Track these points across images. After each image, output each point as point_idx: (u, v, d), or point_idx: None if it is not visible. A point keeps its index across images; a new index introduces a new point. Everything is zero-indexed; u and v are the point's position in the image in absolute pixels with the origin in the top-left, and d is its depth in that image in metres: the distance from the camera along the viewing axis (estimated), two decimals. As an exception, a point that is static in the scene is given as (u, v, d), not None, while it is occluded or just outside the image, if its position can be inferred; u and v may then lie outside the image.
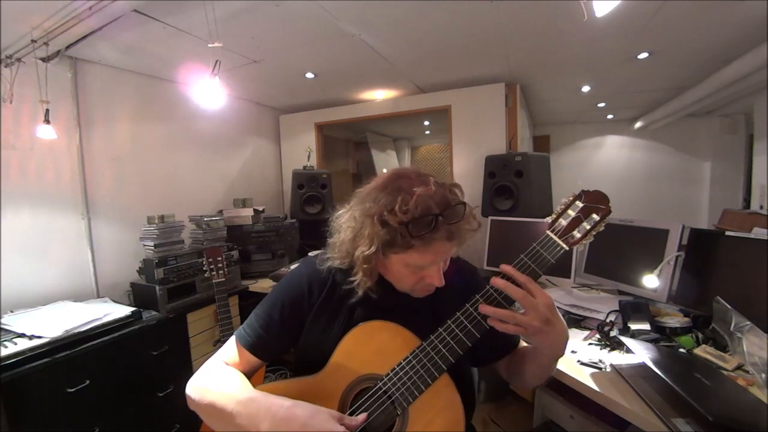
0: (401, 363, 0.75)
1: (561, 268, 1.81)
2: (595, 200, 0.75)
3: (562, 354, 0.76)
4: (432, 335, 0.75)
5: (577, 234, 0.74)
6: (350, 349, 0.79)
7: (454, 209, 0.72)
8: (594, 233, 0.75)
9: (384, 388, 0.75)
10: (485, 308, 0.70)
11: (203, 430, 1.69)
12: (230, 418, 0.70)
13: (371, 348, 0.79)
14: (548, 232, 0.75)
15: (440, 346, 0.74)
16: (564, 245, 0.74)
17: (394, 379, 0.74)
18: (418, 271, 0.77)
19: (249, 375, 0.84)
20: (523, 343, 0.95)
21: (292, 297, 0.86)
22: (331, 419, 0.66)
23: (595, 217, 0.74)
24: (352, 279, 0.79)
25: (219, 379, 0.79)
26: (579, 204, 0.76)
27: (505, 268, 0.72)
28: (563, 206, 0.77)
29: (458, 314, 0.75)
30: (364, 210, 0.76)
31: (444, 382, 0.75)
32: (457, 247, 0.78)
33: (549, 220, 0.78)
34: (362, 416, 0.72)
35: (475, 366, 0.94)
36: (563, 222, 0.76)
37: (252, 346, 0.84)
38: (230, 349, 0.86)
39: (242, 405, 0.71)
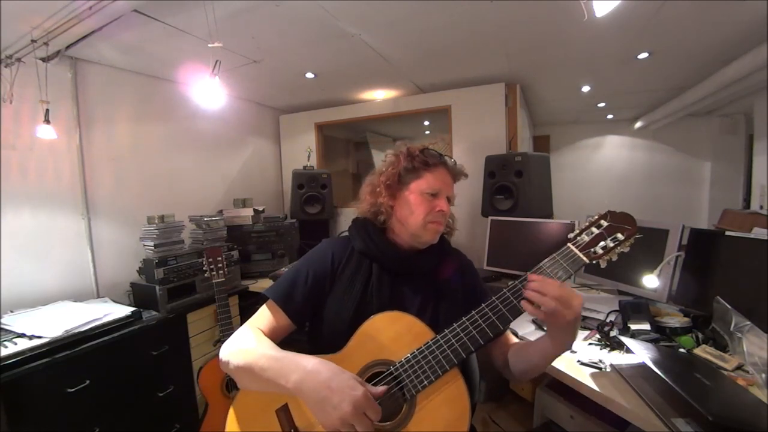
0: (414, 352, 0.78)
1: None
2: (620, 221, 0.78)
3: (567, 350, 0.80)
4: (446, 329, 0.78)
5: (599, 250, 0.77)
6: (368, 335, 0.83)
7: (450, 159, 1.00)
8: (618, 252, 0.77)
9: (395, 374, 0.78)
10: (536, 279, 0.73)
11: (203, 429, 1.70)
12: (260, 372, 0.76)
13: (387, 336, 0.82)
14: (570, 245, 0.78)
15: (453, 340, 0.77)
16: (584, 258, 0.77)
17: (406, 366, 0.77)
18: (430, 199, 0.93)
19: (276, 339, 0.88)
20: (514, 339, 0.98)
21: (315, 268, 0.94)
22: (353, 379, 0.71)
23: (620, 236, 0.77)
24: (378, 202, 0.96)
25: (249, 340, 0.85)
26: (604, 223, 0.79)
27: (534, 277, 0.76)
28: (587, 224, 0.80)
29: (473, 313, 0.78)
30: (387, 160, 1.00)
31: (454, 376, 0.77)
32: (453, 185, 0.99)
33: (570, 234, 0.80)
34: (382, 388, 0.75)
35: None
36: (585, 238, 0.78)
37: (278, 294, 0.90)
38: (258, 315, 0.92)
39: (273, 360, 0.77)
